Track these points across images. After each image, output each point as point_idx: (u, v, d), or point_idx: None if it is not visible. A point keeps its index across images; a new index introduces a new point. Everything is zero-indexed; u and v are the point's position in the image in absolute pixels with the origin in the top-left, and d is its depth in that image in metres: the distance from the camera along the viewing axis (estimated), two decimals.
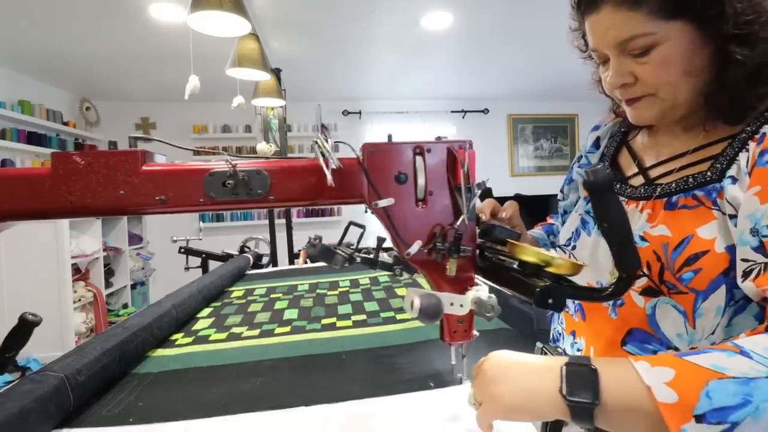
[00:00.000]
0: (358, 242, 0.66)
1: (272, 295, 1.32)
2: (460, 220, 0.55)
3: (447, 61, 3.83)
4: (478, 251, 0.60)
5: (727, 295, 0.50)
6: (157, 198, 0.52)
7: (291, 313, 1.10)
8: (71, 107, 4.28)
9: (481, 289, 0.54)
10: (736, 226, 0.49)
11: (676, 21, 0.50)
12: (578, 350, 0.65)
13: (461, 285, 0.57)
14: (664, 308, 0.54)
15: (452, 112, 5.09)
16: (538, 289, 0.48)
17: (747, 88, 0.51)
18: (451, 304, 0.54)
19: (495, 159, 5.19)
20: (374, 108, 5.01)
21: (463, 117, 5.11)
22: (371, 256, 0.66)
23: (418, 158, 0.56)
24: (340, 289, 1.34)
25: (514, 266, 0.54)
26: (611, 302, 0.60)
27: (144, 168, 0.52)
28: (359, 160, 0.55)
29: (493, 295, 0.54)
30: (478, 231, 0.60)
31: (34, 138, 3.63)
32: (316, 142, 0.53)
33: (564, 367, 0.41)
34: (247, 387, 0.70)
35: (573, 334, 0.67)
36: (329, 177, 0.53)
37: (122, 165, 0.52)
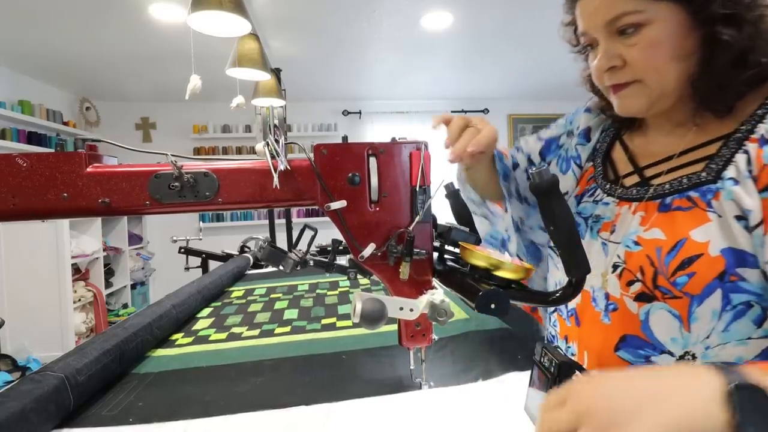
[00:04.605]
0: (309, 245, 0.64)
1: (272, 295, 1.32)
2: (414, 222, 0.54)
3: (447, 61, 3.83)
4: (437, 254, 0.59)
5: (723, 300, 0.49)
6: (100, 201, 0.51)
7: (291, 313, 1.11)
8: (71, 107, 4.27)
9: (436, 293, 0.53)
10: (747, 228, 0.48)
11: (664, 0, 0.50)
12: (572, 354, 0.64)
13: (418, 288, 0.56)
14: (659, 313, 0.53)
15: (452, 112, 5.08)
16: (480, 294, 0.47)
17: (733, 72, 0.51)
18: (401, 309, 0.52)
19: None
20: (374, 108, 5.01)
21: None
22: (326, 259, 0.64)
23: (372, 159, 0.55)
24: (340, 289, 1.34)
25: (467, 270, 0.53)
26: (604, 307, 0.59)
27: (88, 170, 0.52)
28: (311, 161, 0.54)
29: (446, 299, 0.53)
30: (434, 233, 0.59)
31: (34, 138, 3.63)
32: (267, 143, 0.53)
33: (732, 393, 0.31)
34: (247, 387, 0.70)
35: (566, 339, 0.67)
36: (276, 179, 0.52)
37: (65, 167, 0.51)
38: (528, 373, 0.55)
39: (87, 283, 3.51)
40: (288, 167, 0.53)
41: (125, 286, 4.15)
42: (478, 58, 3.77)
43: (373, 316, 0.49)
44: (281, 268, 0.63)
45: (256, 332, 0.97)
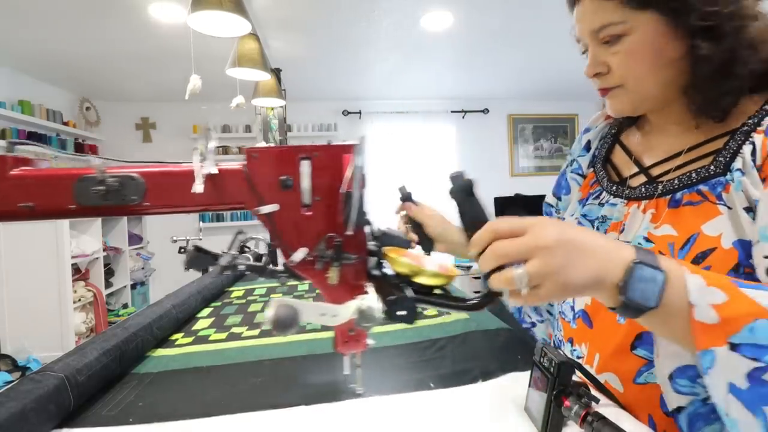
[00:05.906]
0: (241, 249, 0.63)
1: (272, 295, 1.32)
2: (351, 227, 0.53)
3: (447, 61, 3.83)
4: (375, 259, 0.58)
5: None
6: (23, 205, 0.51)
7: None
8: (71, 107, 4.27)
9: (366, 299, 0.52)
10: (754, 219, 0.48)
11: (645, 11, 0.51)
12: (578, 357, 0.64)
13: (351, 293, 0.55)
14: None
15: (452, 112, 5.08)
16: (388, 299, 0.47)
17: (718, 83, 0.51)
18: (322, 315, 0.51)
19: (495, 159, 5.19)
20: (374, 108, 5.00)
21: (463, 117, 5.11)
22: (259, 263, 0.63)
23: (304, 163, 0.54)
24: None
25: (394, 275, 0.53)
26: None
27: (11, 173, 0.51)
28: (242, 165, 0.53)
29: (374, 306, 0.52)
30: (372, 237, 0.58)
31: (34, 138, 3.63)
32: (197, 147, 0.52)
33: (632, 267, 0.39)
34: (247, 387, 0.70)
35: (571, 341, 0.66)
36: (197, 183, 0.51)
37: None
38: (528, 373, 0.55)
39: (87, 283, 3.51)
40: (215, 171, 0.53)
41: (125, 286, 4.15)
42: (479, 58, 3.77)
43: (285, 323, 0.48)
44: (211, 274, 0.61)
45: (256, 332, 0.97)
